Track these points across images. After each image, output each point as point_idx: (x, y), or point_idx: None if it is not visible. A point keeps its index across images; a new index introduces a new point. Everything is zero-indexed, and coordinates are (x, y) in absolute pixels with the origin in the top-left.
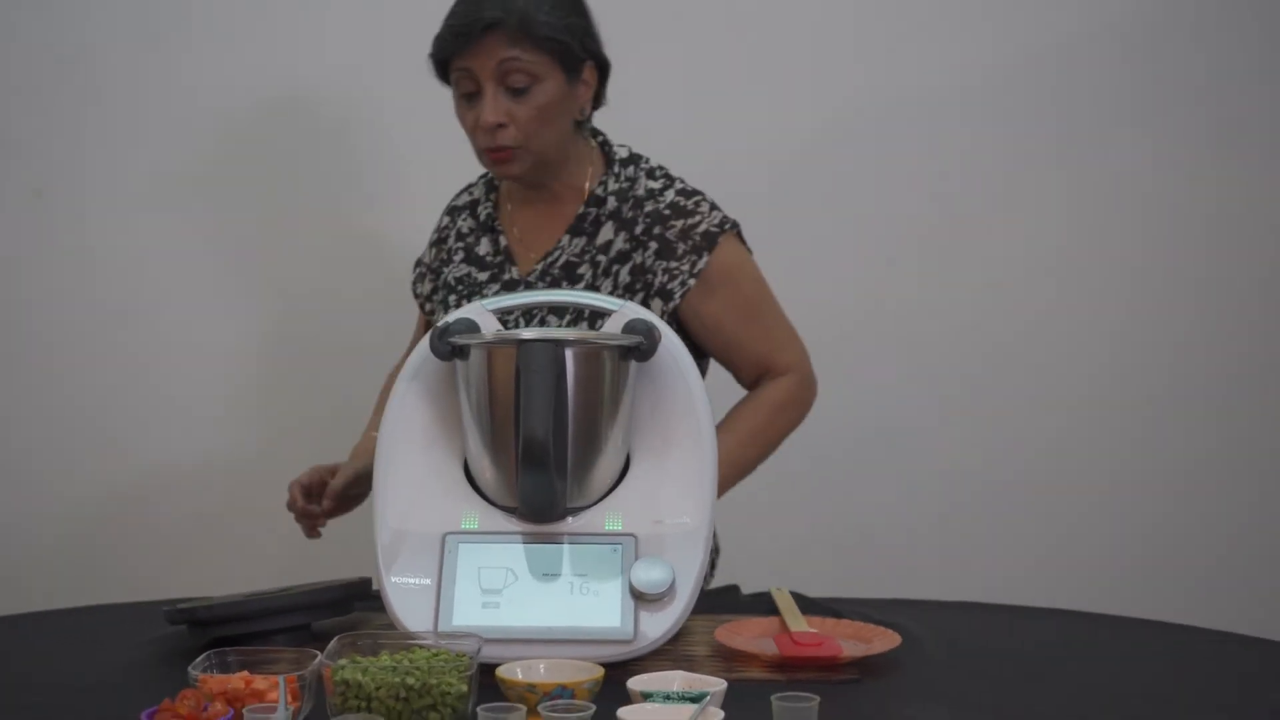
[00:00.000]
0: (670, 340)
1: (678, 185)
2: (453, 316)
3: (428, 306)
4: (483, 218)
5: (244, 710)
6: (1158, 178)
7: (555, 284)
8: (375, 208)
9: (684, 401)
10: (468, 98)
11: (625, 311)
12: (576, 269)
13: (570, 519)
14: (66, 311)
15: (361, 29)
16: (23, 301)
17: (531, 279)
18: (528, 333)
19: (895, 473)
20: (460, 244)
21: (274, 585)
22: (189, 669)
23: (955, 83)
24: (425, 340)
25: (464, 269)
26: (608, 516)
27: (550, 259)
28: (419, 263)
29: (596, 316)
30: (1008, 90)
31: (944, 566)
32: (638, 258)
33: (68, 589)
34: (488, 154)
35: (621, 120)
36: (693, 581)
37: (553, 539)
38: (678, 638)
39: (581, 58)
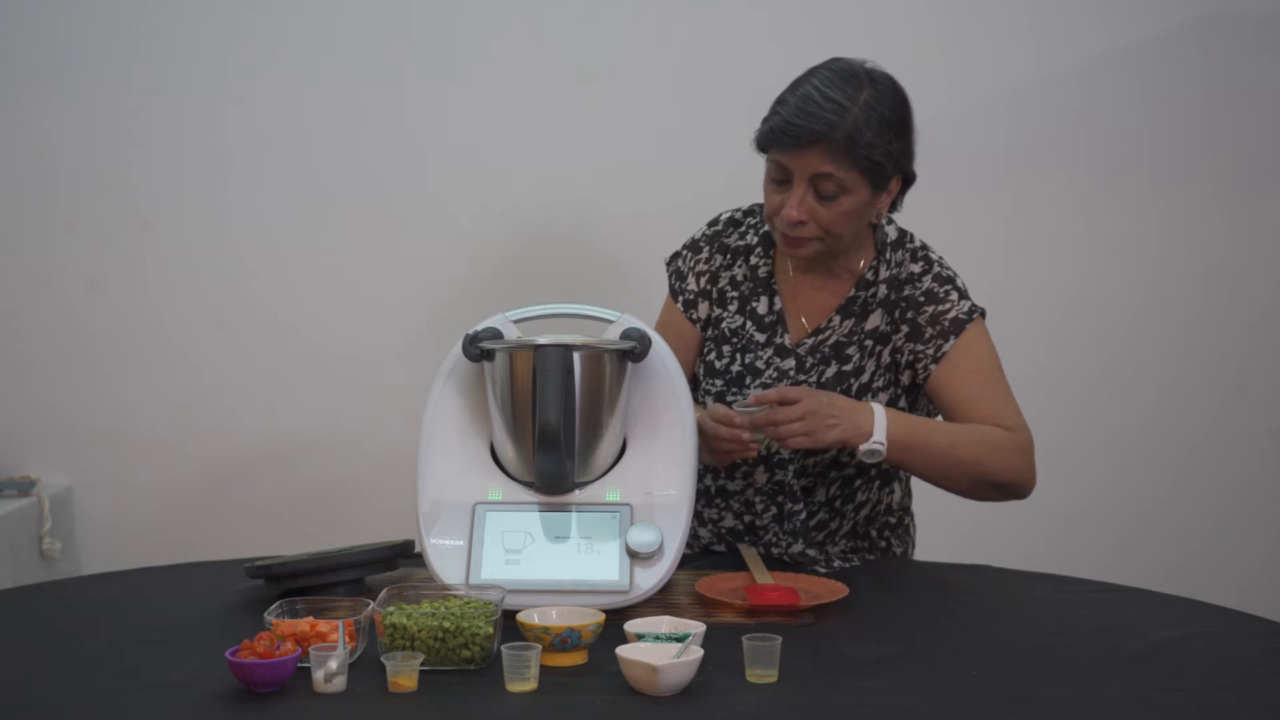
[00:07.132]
0: (659, 346)
1: (935, 270)
2: (480, 326)
3: (708, 332)
4: (761, 273)
5: (310, 648)
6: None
7: (824, 361)
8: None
9: (670, 396)
10: (776, 182)
11: (622, 322)
12: (845, 349)
13: (577, 491)
14: (174, 318)
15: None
16: (149, 309)
17: (801, 351)
18: (543, 339)
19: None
20: (735, 292)
21: (334, 547)
22: (265, 615)
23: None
24: (459, 345)
25: (740, 320)
26: (608, 489)
27: (821, 336)
28: (683, 273)
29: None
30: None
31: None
32: (895, 339)
33: (170, 547)
34: (783, 236)
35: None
36: (678, 542)
37: (563, 508)
38: (665, 589)
39: (891, 174)
